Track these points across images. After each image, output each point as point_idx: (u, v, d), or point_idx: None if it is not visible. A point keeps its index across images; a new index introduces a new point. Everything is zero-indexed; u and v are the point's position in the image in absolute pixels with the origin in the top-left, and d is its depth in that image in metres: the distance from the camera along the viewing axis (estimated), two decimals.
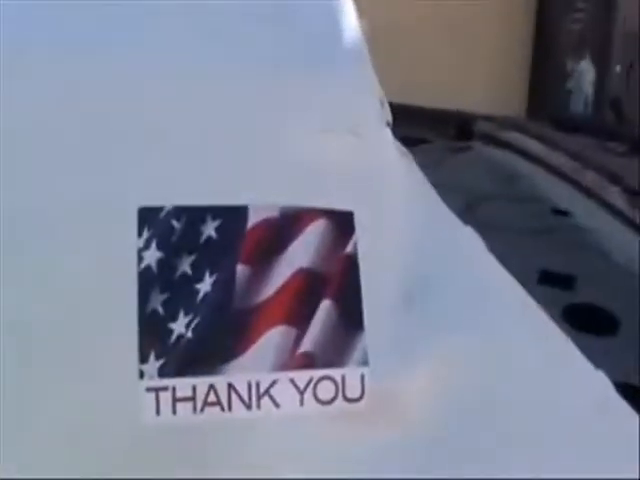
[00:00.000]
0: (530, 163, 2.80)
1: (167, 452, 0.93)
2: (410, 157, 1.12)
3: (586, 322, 1.78)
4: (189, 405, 0.93)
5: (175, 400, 0.93)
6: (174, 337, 0.93)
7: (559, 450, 1.02)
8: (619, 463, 1.03)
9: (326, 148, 1.03)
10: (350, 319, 0.99)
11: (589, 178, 2.60)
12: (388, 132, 1.08)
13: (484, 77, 3.89)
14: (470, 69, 3.88)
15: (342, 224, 1.01)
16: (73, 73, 0.96)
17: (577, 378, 1.06)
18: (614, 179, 2.59)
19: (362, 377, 0.98)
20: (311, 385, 0.97)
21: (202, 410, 0.93)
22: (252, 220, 0.97)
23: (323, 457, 0.96)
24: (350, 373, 0.97)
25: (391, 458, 0.96)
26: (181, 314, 0.94)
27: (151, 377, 0.92)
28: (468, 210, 2.42)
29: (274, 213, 0.98)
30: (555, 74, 3.58)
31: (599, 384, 1.07)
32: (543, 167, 2.75)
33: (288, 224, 0.98)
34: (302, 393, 0.96)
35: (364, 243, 1.01)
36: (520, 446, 1.00)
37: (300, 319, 0.97)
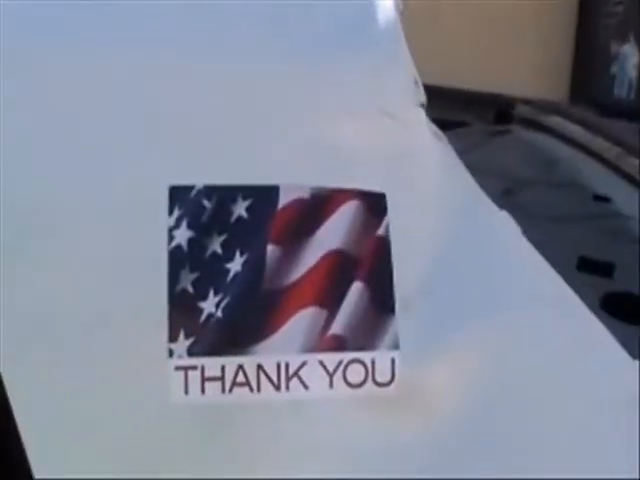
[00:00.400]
0: (571, 148, 2.77)
1: (195, 432, 0.93)
2: (445, 139, 1.10)
3: (625, 311, 1.75)
4: (218, 385, 0.93)
5: (204, 380, 0.93)
6: (204, 316, 0.93)
7: (591, 443, 1.00)
8: None
9: (358, 129, 1.02)
10: (381, 302, 0.98)
11: (631, 164, 2.56)
12: (422, 113, 1.07)
13: (527, 61, 3.84)
14: (513, 53, 3.84)
15: (374, 206, 1.00)
16: (98, 64, 0.96)
17: (612, 368, 1.04)
18: None
19: (392, 361, 0.97)
20: (341, 368, 0.96)
21: (231, 390, 0.93)
22: (283, 200, 0.96)
23: (352, 442, 0.96)
24: (380, 357, 0.97)
25: (418, 447, 0.96)
26: (211, 293, 0.93)
27: (180, 356, 0.92)
28: (507, 195, 2.39)
29: (305, 194, 0.97)
30: (599, 58, 3.52)
31: (636, 374, 1.05)
32: (584, 152, 2.70)
33: (319, 205, 0.98)
34: (331, 376, 0.96)
35: (396, 225, 1.00)
36: (548, 439, 0.99)
37: (331, 301, 0.96)
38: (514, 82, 3.45)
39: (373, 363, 0.96)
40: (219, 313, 0.94)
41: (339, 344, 0.96)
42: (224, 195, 0.95)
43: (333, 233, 0.98)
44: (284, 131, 0.98)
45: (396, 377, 0.96)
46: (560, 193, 2.41)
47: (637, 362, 1.07)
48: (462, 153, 2.38)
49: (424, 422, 0.96)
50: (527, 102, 3.00)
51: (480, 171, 2.25)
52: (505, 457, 0.98)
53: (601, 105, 3.11)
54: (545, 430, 0.99)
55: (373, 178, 1.01)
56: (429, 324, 0.99)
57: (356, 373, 0.96)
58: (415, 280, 1.00)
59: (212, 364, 0.93)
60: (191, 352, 0.93)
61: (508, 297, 1.02)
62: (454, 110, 2.93)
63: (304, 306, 0.96)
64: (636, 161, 2.58)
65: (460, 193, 1.07)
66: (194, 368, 0.92)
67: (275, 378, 0.95)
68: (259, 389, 0.94)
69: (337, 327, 0.96)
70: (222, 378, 0.93)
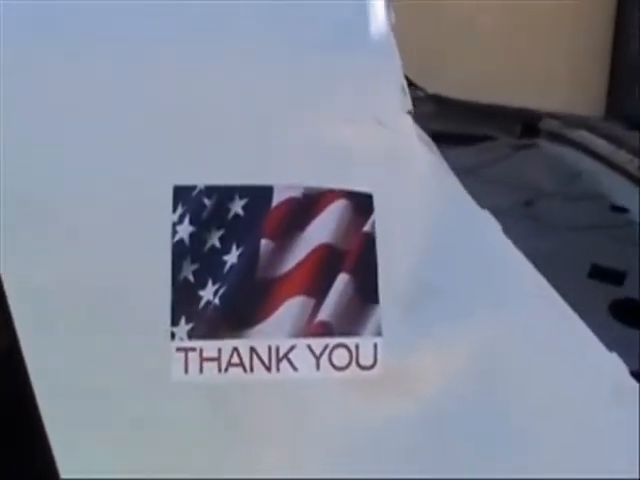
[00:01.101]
0: (594, 161, 2.79)
1: (194, 408, 1.03)
2: (432, 145, 1.19)
3: (633, 317, 1.78)
4: (214, 365, 1.03)
5: (202, 360, 1.03)
6: (203, 303, 1.03)
7: (570, 436, 1.06)
8: (630, 450, 1.06)
9: (349, 134, 1.11)
10: (366, 292, 1.07)
11: None
12: (409, 120, 1.15)
13: (562, 77, 3.88)
14: (548, 69, 3.88)
15: (362, 205, 1.09)
16: (101, 63, 1.07)
17: (590, 361, 1.10)
18: None
19: (375, 346, 1.05)
20: (327, 352, 1.05)
21: (226, 370, 1.03)
22: (277, 199, 1.06)
23: (336, 419, 1.04)
24: (364, 342, 1.05)
25: (397, 425, 1.04)
26: (210, 283, 1.04)
27: (181, 339, 1.03)
28: (527, 206, 2.43)
29: (297, 193, 1.07)
30: (634, 73, 3.56)
31: (613, 367, 1.10)
32: (607, 165, 2.73)
33: (310, 203, 1.07)
34: (318, 359, 1.05)
35: (382, 223, 1.09)
36: (527, 429, 1.05)
37: (318, 290, 1.06)
38: (549, 98, 3.48)
39: (357, 348, 1.05)
40: (217, 300, 1.04)
41: (325, 330, 1.05)
42: (223, 194, 1.05)
43: (322, 229, 1.07)
44: (279, 134, 1.08)
45: (378, 361, 1.05)
46: (579, 204, 2.45)
47: (615, 355, 1.13)
48: (488, 166, 2.46)
49: (403, 403, 1.05)
50: (553, 116, 3.04)
51: (505, 183, 2.32)
52: (478, 446, 1.05)
53: (628, 119, 3.15)
54: (524, 418, 1.06)
55: (362, 179, 1.10)
56: (411, 314, 1.07)
57: (341, 357, 1.05)
58: (402, 274, 1.08)
59: (210, 346, 1.03)
60: (191, 335, 1.03)
61: (489, 291, 1.10)
62: (481, 124, 2.98)
63: (294, 295, 1.05)
64: None
65: (446, 195, 1.15)
66: (193, 350, 1.02)
67: (267, 360, 1.04)
68: (252, 370, 1.04)
69: (324, 314, 1.05)
70: (219, 359, 1.03)
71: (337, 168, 1.10)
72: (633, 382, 1.11)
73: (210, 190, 1.05)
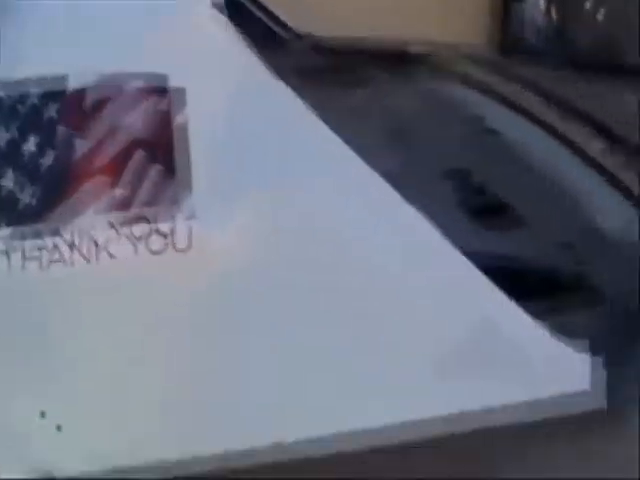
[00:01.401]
0: (473, 91, 2.83)
1: (19, 307, 1.06)
2: (240, 35, 1.19)
3: (490, 219, 1.82)
4: (37, 264, 1.07)
5: (25, 259, 1.07)
6: (4, 192, 1.06)
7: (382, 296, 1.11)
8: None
9: (155, 26, 1.13)
10: (179, 181, 1.09)
11: (531, 102, 2.64)
12: (217, 12, 1.17)
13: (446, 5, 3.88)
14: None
15: (173, 97, 1.11)
16: None
17: (398, 222, 1.14)
18: (556, 101, 2.63)
19: (190, 230, 1.08)
20: (144, 238, 1.08)
21: (48, 267, 1.07)
22: (73, 86, 1.08)
23: (155, 294, 1.09)
24: (179, 226, 1.08)
25: (209, 294, 1.08)
26: (10, 172, 1.06)
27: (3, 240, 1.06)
28: (400, 134, 2.45)
29: (98, 80, 1.08)
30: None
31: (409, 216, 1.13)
32: (489, 95, 2.77)
33: (113, 92, 1.09)
34: (135, 245, 1.08)
35: (194, 115, 1.11)
36: (340, 300, 1.11)
37: (133, 180, 1.08)
38: (433, 27, 3.43)
39: (172, 232, 1.08)
40: (17, 189, 1.07)
41: (142, 218, 1.08)
42: (16, 86, 1.07)
43: (132, 122, 1.09)
44: (75, 21, 1.10)
45: (193, 244, 1.08)
46: (453, 130, 2.49)
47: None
48: (361, 100, 2.46)
49: (218, 277, 1.08)
50: (428, 46, 3.06)
51: (378, 115, 2.34)
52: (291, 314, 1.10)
53: (508, 49, 3.19)
54: (332, 295, 1.11)
55: (173, 73, 1.12)
56: (223, 195, 1.10)
57: (158, 242, 1.08)
58: (210, 157, 1.11)
59: (31, 246, 1.06)
60: (13, 237, 1.06)
61: (296, 165, 1.13)
62: (357, 60, 2.97)
63: (110, 186, 1.08)
64: (538, 99, 2.66)
65: (253, 81, 1.16)
66: (15, 250, 1.06)
67: (86, 252, 1.07)
68: (72, 264, 1.07)
69: (139, 203, 1.08)
70: (40, 258, 1.06)
71: (142, 59, 1.12)
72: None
73: (4, 85, 1.07)
